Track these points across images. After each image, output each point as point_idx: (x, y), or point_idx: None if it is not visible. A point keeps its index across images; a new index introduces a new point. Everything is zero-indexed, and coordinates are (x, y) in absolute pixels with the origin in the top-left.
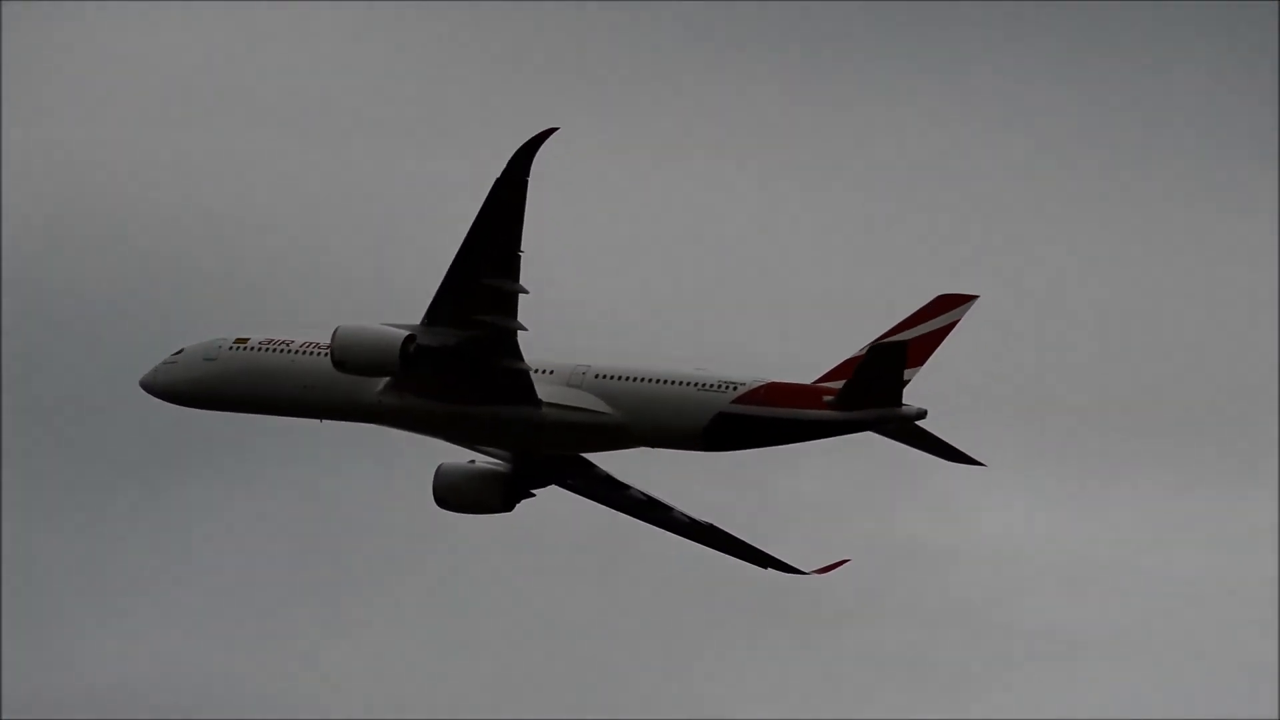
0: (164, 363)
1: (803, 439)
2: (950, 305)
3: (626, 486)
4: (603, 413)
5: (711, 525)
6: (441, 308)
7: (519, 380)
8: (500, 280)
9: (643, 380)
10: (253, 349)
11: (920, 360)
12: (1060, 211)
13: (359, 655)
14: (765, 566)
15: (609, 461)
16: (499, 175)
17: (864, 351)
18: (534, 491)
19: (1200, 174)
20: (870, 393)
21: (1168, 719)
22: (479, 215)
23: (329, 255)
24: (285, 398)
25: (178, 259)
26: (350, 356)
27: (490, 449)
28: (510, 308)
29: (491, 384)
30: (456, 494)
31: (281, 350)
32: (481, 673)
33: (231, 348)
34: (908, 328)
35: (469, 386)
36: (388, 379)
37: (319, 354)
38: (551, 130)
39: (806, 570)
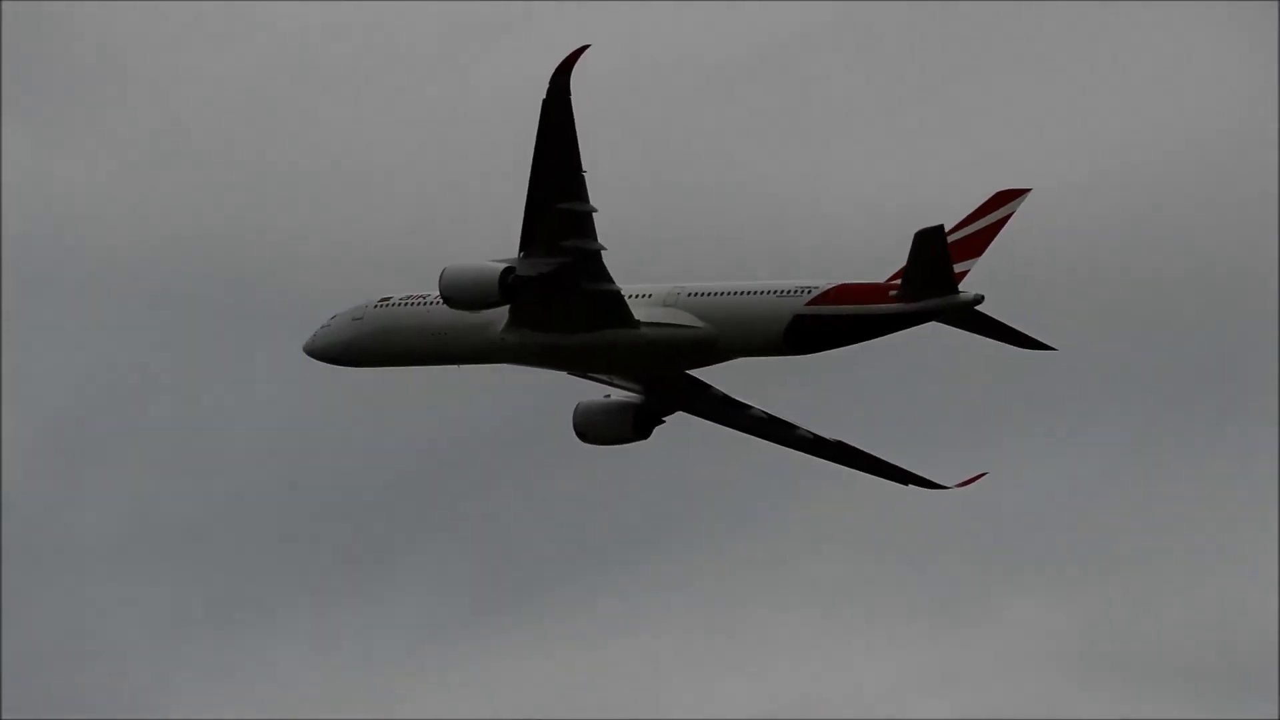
0: (321, 328)
1: (875, 334)
2: (1007, 199)
3: (747, 406)
4: (695, 326)
5: (840, 442)
6: (529, 237)
7: (613, 302)
8: (572, 203)
9: (729, 294)
10: (394, 305)
11: (978, 251)
12: None
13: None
14: (906, 483)
15: (728, 383)
16: (543, 98)
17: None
18: (664, 419)
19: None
20: (925, 281)
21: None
22: (536, 141)
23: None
24: (423, 347)
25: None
26: (457, 292)
27: (608, 376)
28: (588, 229)
29: (590, 309)
30: (593, 427)
31: (419, 303)
32: None
33: (376, 306)
34: (970, 223)
35: (571, 313)
36: (507, 318)
37: None
38: (585, 47)
39: (949, 485)
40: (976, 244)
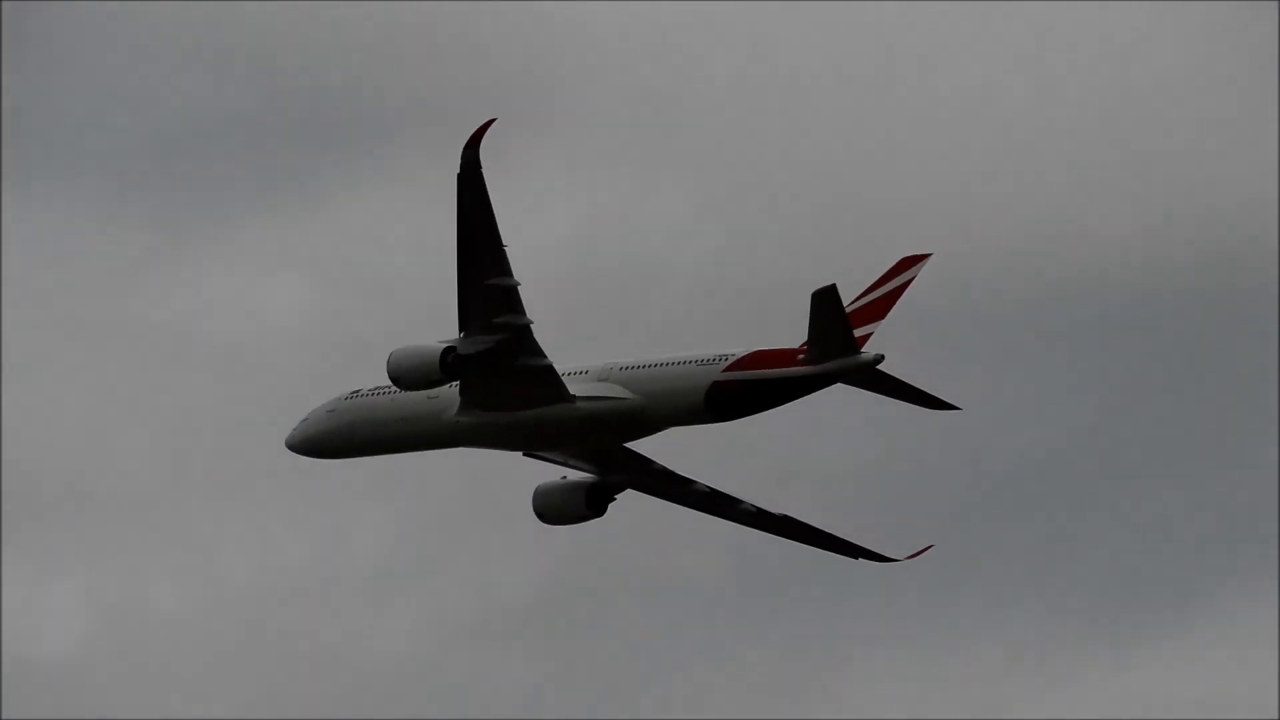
0: (301, 422)
1: (789, 398)
2: (909, 264)
3: (690, 481)
4: (624, 398)
5: (786, 516)
6: (465, 315)
7: (548, 377)
8: (499, 278)
9: (653, 365)
10: (363, 396)
11: (881, 315)
12: None
13: None
14: (856, 557)
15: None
16: (458, 173)
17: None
18: (615, 496)
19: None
20: (827, 343)
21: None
22: (457, 217)
23: None
24: (389, 435)
25: None
26: (403, 372)
27: (555, 453)
28: (516, 304)
29: (528, 385)
30: (550, 507)
31: (384, 393)
32: None
33: (347, 398)
34: (875, 289)
35: (512, 391)
36: (459, 402)
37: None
38: (491, 121)
39: (899, 558)
40: (879, 308)
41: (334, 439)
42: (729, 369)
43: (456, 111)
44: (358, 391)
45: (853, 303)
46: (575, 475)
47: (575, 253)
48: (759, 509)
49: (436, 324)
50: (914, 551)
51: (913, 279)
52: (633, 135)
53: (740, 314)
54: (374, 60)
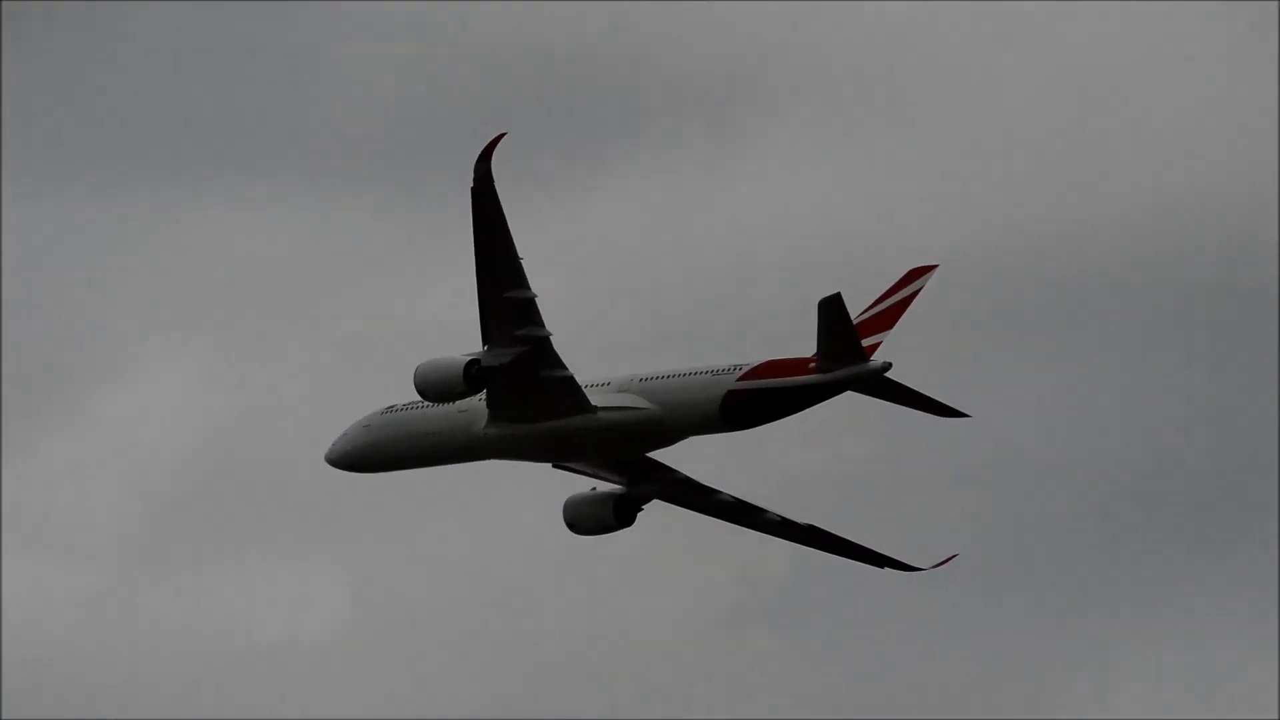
0: (340, 436)
1: (801, 406)
2: (917, 275)
3: (714, 491)
4: (643, 408)
5: (812, 526)
6: (487, 328)
7: (569, 388)
8: (516, 291)
9: (671, 376)
10: (396, 411)
11: (890, 324)
12: None
13: None
14: (881, 566)
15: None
16: (471, 187)
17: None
18: (642, 507)
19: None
20: (836, 351)
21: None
22: (473, 231)
23: None
24: (420, 449)
25: None
26: (429, 385)
27: (580, 463)
28: (535, 317)
29: (550, 396)
30: (580, 519)
31: (415, 407)
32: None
33: (382, 413)
34: (884, 299)
35: (535, 402)
36: (487, 415)
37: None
38: (502, 135)
39: (924, 567)
40: (888, 318)
41: (369, 453)
42: (742, 378)
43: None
44: (392, 407)
45: (863, 313)
46: (604, 486)
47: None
48: (784, 519)
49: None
50: (938, 561)
51: (920, 289)
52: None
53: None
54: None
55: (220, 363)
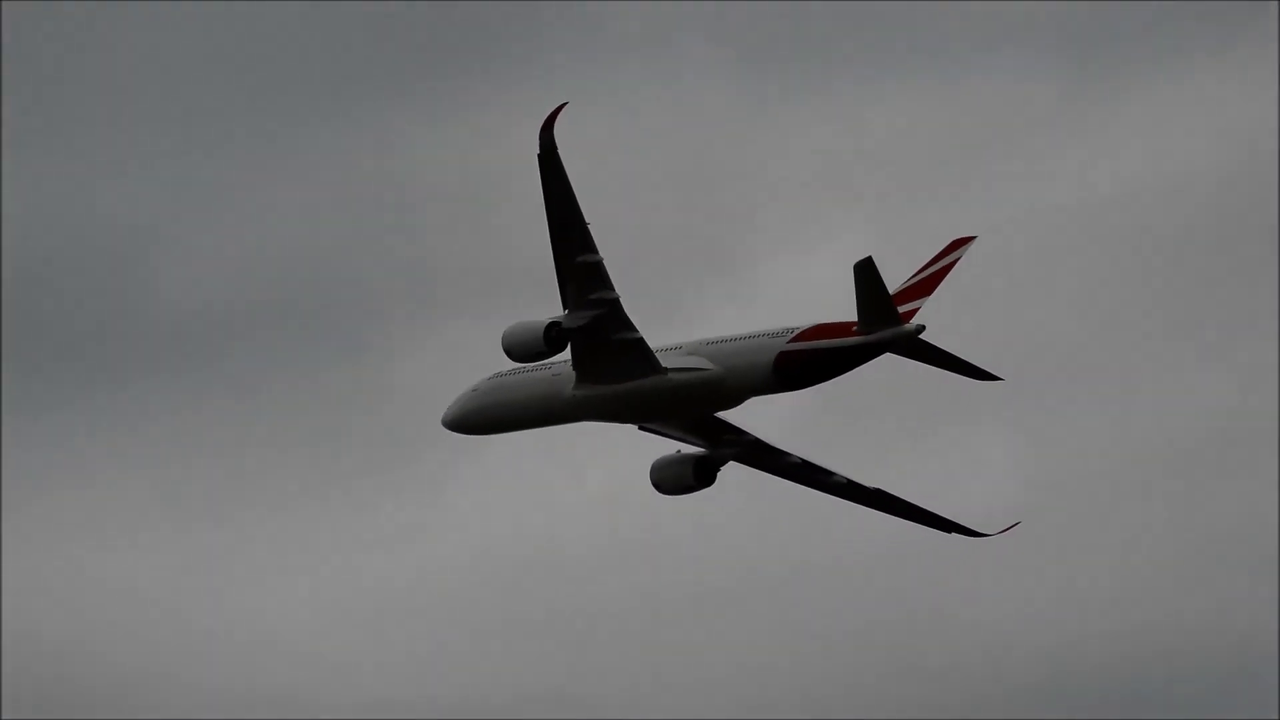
0: (454, 399)
1: (846, 367)
2: (957, 245)
3: (784, 453)
4: (708, 369)
5: (879, 490)
6: (565, 292)
7: (640, 350)
8: (585, 255)
9: (732, 339)
10: (502, 377)
11: (929, 291)
12: None
13: None
14: (949, 531)
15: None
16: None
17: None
18: (719, 468)
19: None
20: (873, 314)
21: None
22: (544, 199)
23: None
24: (520, 413)
25: None
26: (514, 345)
27: (658, 424)
28: (605, 280)
29: (625, 358)
30: (664, 479)
31: (518, 373)
32: None
33: (489, 379)
34: (926, 269)
35: (612, 363)
36: (575, 378)
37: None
38: (564, 105)
39: (990, 533)
40: (927, 286)
41: (477, 417)
42: (793, 340)
43: None
44: (499, 373)
45: (905, 282)
46: (687, 449)
47: None
48: (850, 481)
49: None
50: (1004, 527)
51: (958, 259)
52: None
53: None
54: None
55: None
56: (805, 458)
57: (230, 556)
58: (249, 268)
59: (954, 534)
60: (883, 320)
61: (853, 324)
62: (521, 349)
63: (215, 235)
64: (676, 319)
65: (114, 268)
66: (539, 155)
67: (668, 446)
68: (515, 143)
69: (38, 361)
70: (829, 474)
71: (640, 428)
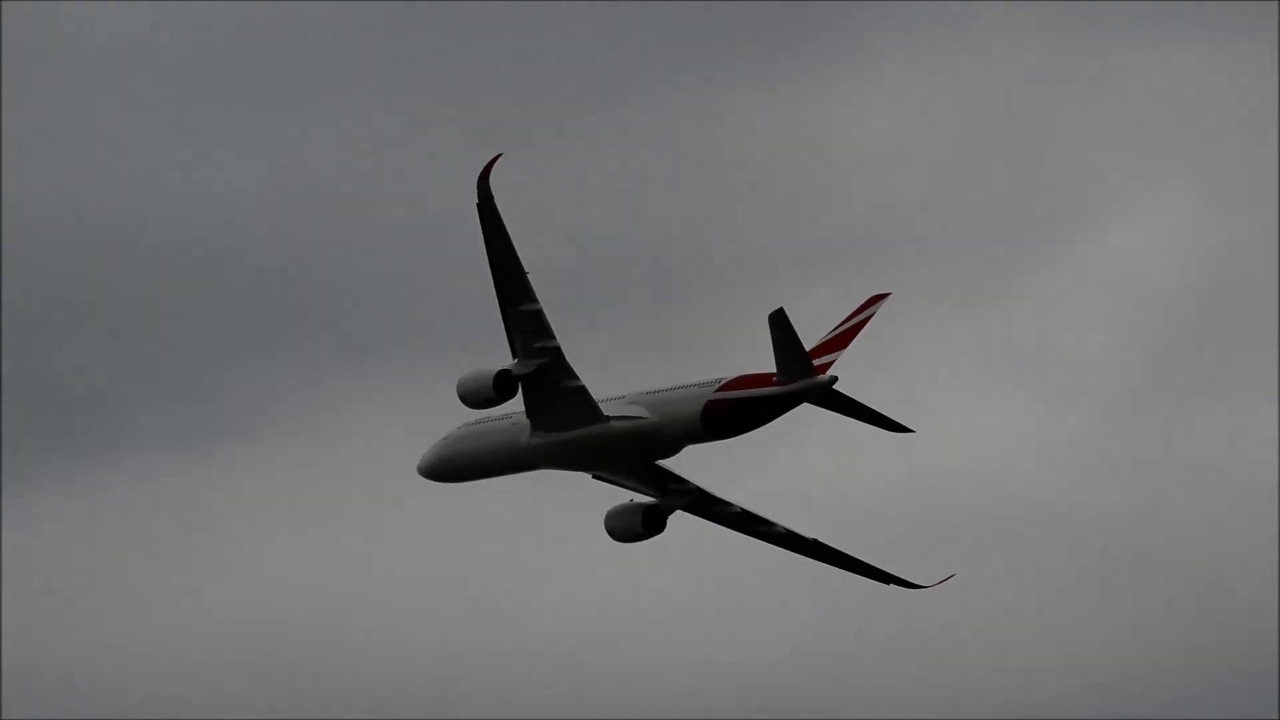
0: (429, 448)
1: (769, 416)
2: (873, 303)
3: (725, 502)
4: (645, 418)
5: (816, 540)
6: (511, 340)
7: (583, 398)
8: (526, 304)
9: (667, 389)
10: (470, 425)
11: (844, 345)
12: None
13: None
14: (887, 583)
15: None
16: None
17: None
18: (667, 517)
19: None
20: (788, 364)
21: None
22: (486, 249)
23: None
24: (482, 461)
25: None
26: (467, 393)
27: (605, 472)
28: (546, 329)
29: (570, 406)
30: (615, 527)
31: (483, 422)
32: None
33: (460, 428)
34: (842, 324)
35: (558, 411)
36: (530, 427)
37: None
38: (497, 156)
39: (926, 584)
40: (843, 340)
41: (447, 466)
42: (719, 390)
43: None
44: (468, 423)
45: (823, 337)
46: (640, 498)
47: None
48: (789, 531)
49: None
50: (939, 580)
51: (873, 315)
52: None
53: None
54: None
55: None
56: (745, 508)
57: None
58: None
59: (891, 585)
60: (799, 371)
61: (772, 375)
62: (473, 396)
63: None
64: None
65: None
66: (477, 205)
67: (623, 496)
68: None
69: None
70: (769, 524)
71: (594, 476)
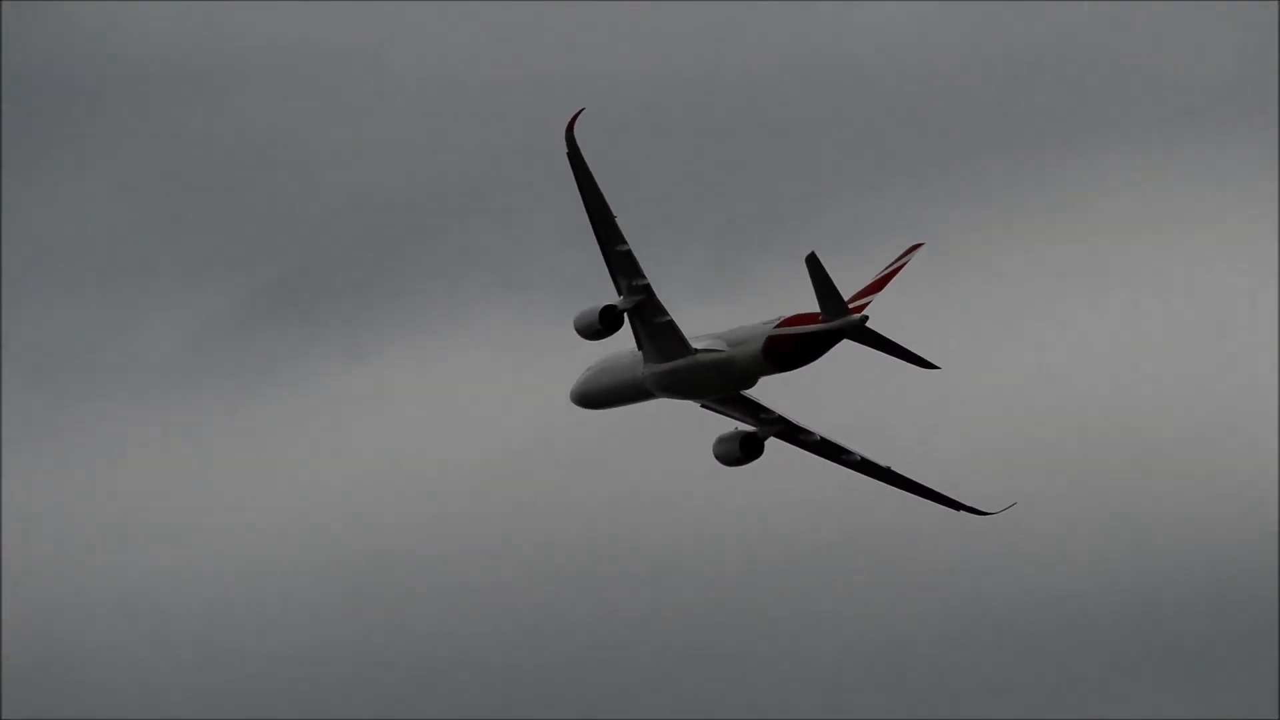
0: (579, 377)
1: (818, 351)
2: (911, 251)
3: (808, 431)
4: (723, 350)
5: (889, 469)
6: (614, 278)
7: (672, 332)
8: (619, 245)
9: (741, 327)
10: (606, 358)
11: (878, 289)
12: None
13: None
14: (957, 509)
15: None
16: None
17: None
18: (764, 442)
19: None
20: (827, 303)
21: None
22: (580, 193)
23: None
24: (616, 390)
25: None
26: (580, 328)
27: (700, 400)
28: (637, 268)
29: (664, 339)
30: (720, 453)
31: (619, 356)
32: None
33: (603, 359)
34: (885, 270)
35: (657, 344)
36: (643, 359)
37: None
38: (581, 110)
39: (993, 511)
40: (878, 285)
41: (592, 394)
42: (777, 327)
43: None
44: (606, 356)
45: (867, 284)
46: (742, 426)
47: None
48: (864, 458)
49: None
50: (1004, 507)
51: (907, 263)
52: None
53: None
54: None
55: None
56: (825, 436)
57: None
58: None
59: (962, 512)
60: (835, 310)
61: (819, 314)
62: (585, 330)
63: None
64: None
65: None
66: (567, 155)
67: (729, 425)
68: None
69: None
70: (847, 452)
71: (701, 406)
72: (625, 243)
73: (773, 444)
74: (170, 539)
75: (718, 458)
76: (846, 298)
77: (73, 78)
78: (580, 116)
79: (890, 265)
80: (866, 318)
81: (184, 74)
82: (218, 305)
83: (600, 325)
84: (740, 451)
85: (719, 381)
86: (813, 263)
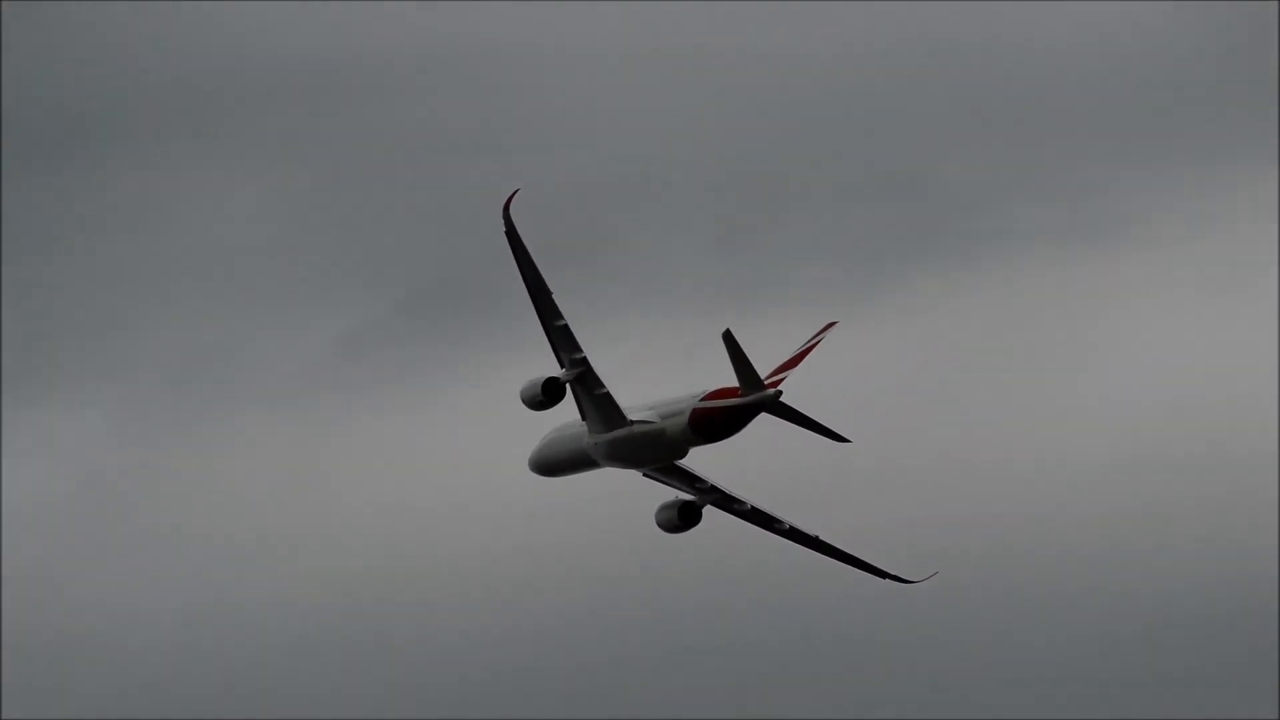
0: (535, 446)
1: (738, 424)
2: (826, 330)
3: (739, 500)
4: (654, 422)
5: (817, 538)
6: (555, 350)
7: (609, 404)
8: (556, 320)
9: (670, 400)
10: (559, 427)
11: (794, 365)
12: None
13: None
14: (883, 577)
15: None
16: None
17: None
18: (701, 510)
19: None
20: (744, 379)
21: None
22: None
23: None
24: (565, 459)
25: None
26: (525, 399)
27: (639, 470)
28: (574, 342)
29: (603, 410)
30: (661, 520)
31: (569, 426)
32: None
33: (557, 428)
34: (801, 348)
35: (600, 415)
36: (588, 430)
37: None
38: (516, 191)
39: (915, 580)
40: (794, 361)
41: (546, 461)
42: (703, 399)
43: None
44: (556, 426)
45: (785, 360)
46: (683, 495)
47: None
48: (793, 527)
49: None
50: (926, 575)
51: (821, 340)
52: None
53: None
54: None
55: None
56: (755, 505)
57: None
58: None
59: (887, 580)
60: (751, 385)
61: (738, 388)
62: (529, 401)
63: None
64: None
65: None
66: (505, 233)
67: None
68: None
69: None
70: (777, 521)
71: (643, 475)
72: (562, 318)
73: (710, 512)
74: (302, 549)
75: (660, 525)
76: (764, 374)
77: (213, 87)
78: (515, 197)
79: (807, 342)
80: (781, 392)
81: (326, 83)
82: (354, 319)
83: (543, 396)
84: (679, 519)
85: (652, 453)
86: (729, 340)
